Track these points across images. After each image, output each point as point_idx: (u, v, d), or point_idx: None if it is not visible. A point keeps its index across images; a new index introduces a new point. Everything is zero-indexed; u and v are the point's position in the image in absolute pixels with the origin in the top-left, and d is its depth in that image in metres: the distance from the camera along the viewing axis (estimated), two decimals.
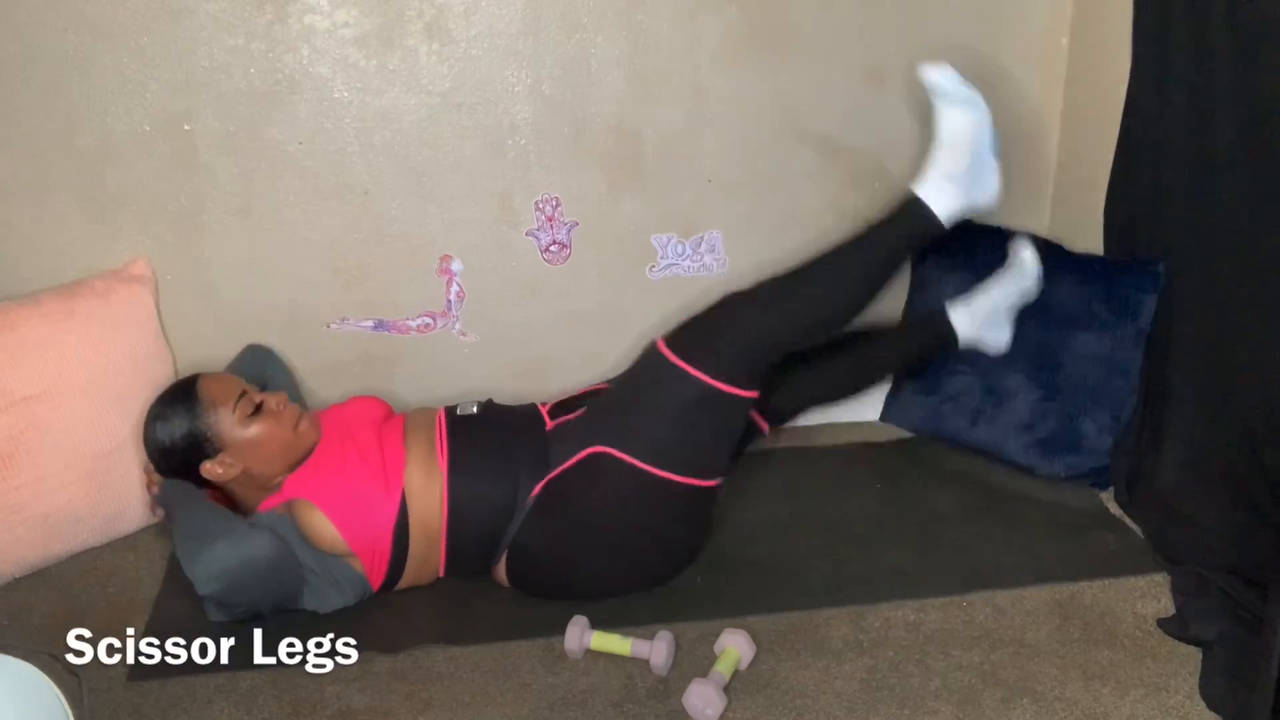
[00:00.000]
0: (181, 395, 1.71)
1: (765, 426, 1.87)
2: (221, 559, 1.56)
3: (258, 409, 1.71)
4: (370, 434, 1.75)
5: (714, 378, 1.66)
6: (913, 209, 1.78)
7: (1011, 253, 2.00)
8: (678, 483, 1.67)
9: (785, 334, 1.73)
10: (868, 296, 1.79)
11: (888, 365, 2.11)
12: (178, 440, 1.69)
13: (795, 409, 2.01)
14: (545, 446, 1.73)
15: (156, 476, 1.76)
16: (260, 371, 1.97)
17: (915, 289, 2.23)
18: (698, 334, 1.72)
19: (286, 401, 1.75)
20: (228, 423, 1.69)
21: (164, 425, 1.70)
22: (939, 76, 1.78)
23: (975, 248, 2.14)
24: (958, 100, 1.78)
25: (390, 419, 1.83)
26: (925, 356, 2.12)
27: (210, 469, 1.69)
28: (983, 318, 2.01)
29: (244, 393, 1.72)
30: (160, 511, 1.79)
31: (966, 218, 1.81)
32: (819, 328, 1.79)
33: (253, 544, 1.58)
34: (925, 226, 1.78)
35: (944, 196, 1.77)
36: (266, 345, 2.03)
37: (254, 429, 1.70)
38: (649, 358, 1.74)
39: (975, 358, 2.11)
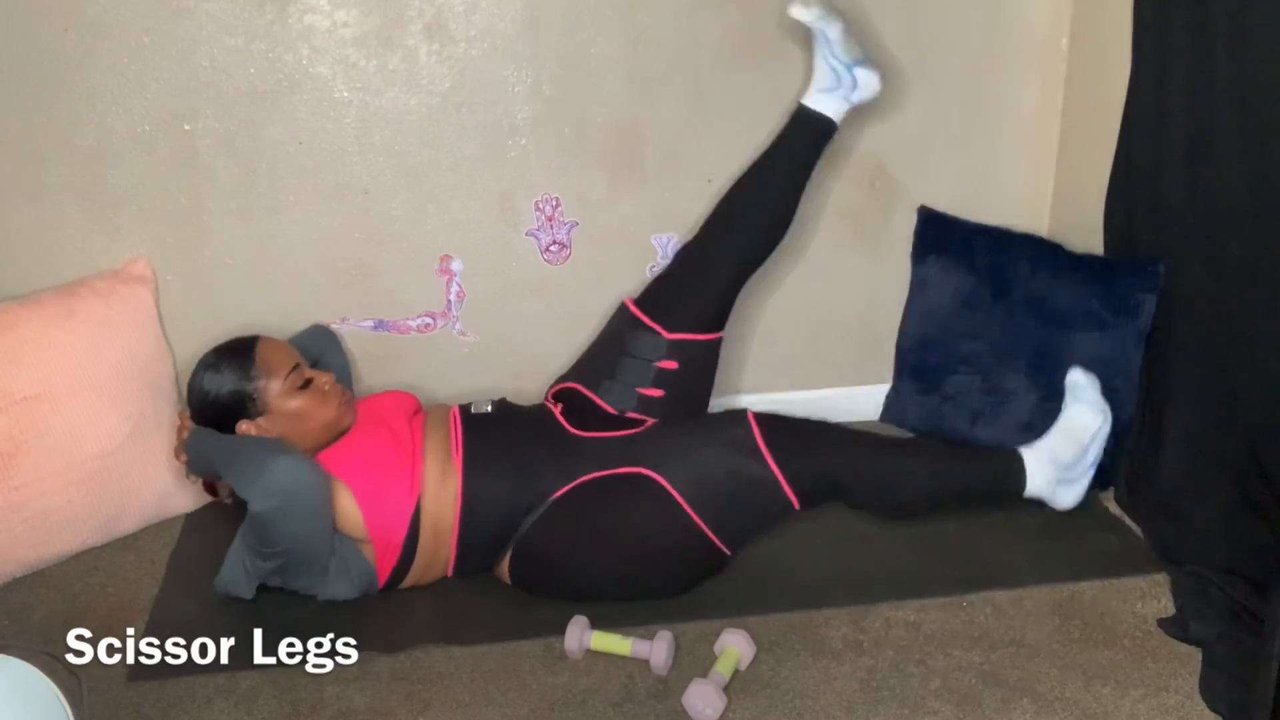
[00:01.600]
0: (238, 352, 1.76)
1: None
2: (283, 471, 1.58)
3: (307, 384, 1.76)
4: (404, 426, 1.78)
5: (787, 479, 1.70)
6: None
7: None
8: (704, 535, 1.69)
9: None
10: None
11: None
12: (224, 394, 1.73)
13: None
14: (572, 449, 1.75)
15: (189, 423, 1.79)
16: (319, 351, 1.99)
17: (915, 289, 2.23)
18: (792, 435, 1.76)
19: (333, 383, 1.79)
20: (275, 389, 1.73)
21: (214, 376, 1.74)
22: (1083, 379, 1.91)
23: (973, 247, 2.14)
24: (1093, 406, 1.89)
25: (418, 413, 1.86)
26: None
27: (246, 429, 1.73)
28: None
29: (297, 365, 1.77)
30: (184, 457, 1.79)
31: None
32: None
33: (314, 470, 1.62)
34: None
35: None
36: (330, 328, 2.06)
37: (298, 401, 1.74)
38: (732, 422, 1.75)
39: (975, 357, 2.11)
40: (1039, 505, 1.88)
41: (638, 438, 1.77)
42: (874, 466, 1.79)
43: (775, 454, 1.71)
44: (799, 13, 1.90)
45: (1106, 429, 1.88)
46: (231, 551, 1.71)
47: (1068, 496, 1.87)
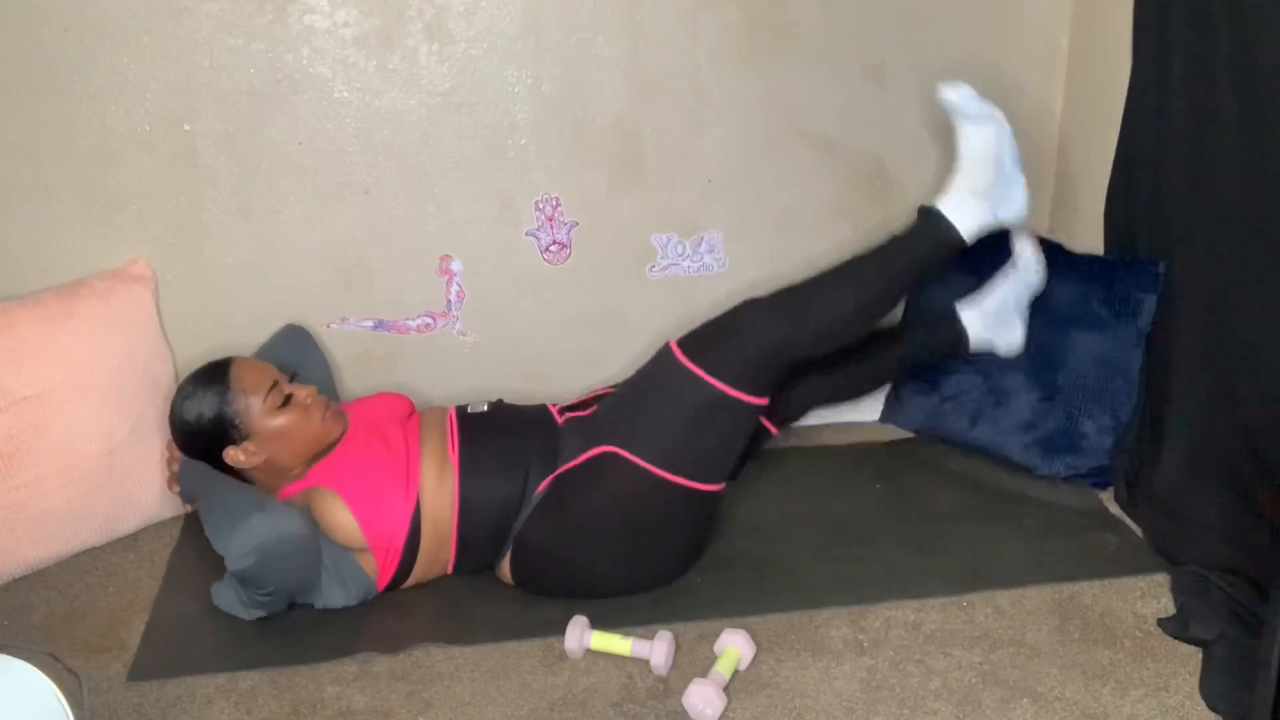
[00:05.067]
0: (213, 378, 1.72)
1: (775, 430, 1.85)
2: (258, 532, 1.55)
3: (287, 400, 1.72)
4: (397, 431, 1.77)
5: (725, 382, 1.67)
6: (935, 223, 1.78)
7: (1014, 249, 1.99)
8: (683, 486, 1.67)
9: (797, 342, 1.72)
10: (883, 309, 1.80)
11: (895, 367, 2.09)
12: (204, 423, 1.70)
13: (801, 408, 2.01)
14: (556, 442, 1.74)
15: (178, 454, 1.78)
16: (296, 355, 1.97)
17: (915, 289, 2.22)
18: (711, 338, 1.72)
19: (315, 395, 1.76)
20: (256, 412, 1.70)
21: (192, 406, 1.71)
22: (956, 95, 1.79)
23: (973, 247, 2.13)
24: (978, 118, 1.79)
25: (412, 416, 1.85)
26: (934, 359, 2.10)
27: (233, 455, 1.70)
28: (993, 317, 1.99)
29: (275, 383, 1.73)
30: (177, 488, 1.80)
31: (990, 232, 1.81)
32: (832, 337, 1.77)
33: (288, 519, 1.59)
34: (947, 240, 1.78)
35: (967, 211, 1.77)
36: (304, 326, 2.04)
37: (281, 420, 1.71)
38: (661, 359, 1.74)
39: (975, 357, 2.11)
40: (1036, 512, 1.87)
41: (595, 416, 1.76)
42: (807, 323, 1.72)
43: (709, 368, 1.67)
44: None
45: (1007, 132, 1.77)
46: (227, 575, 1.68)
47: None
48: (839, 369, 1.97)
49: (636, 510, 1.68)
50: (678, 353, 1.71)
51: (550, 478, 1.70)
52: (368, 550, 1.68)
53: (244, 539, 1.55)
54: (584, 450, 1.70)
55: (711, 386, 1.67)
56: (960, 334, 2.00)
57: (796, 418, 2.03)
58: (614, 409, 1.75)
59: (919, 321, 2.13)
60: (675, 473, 1.66)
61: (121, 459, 1.87)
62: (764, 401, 1.71)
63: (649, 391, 1.72)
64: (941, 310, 2.04)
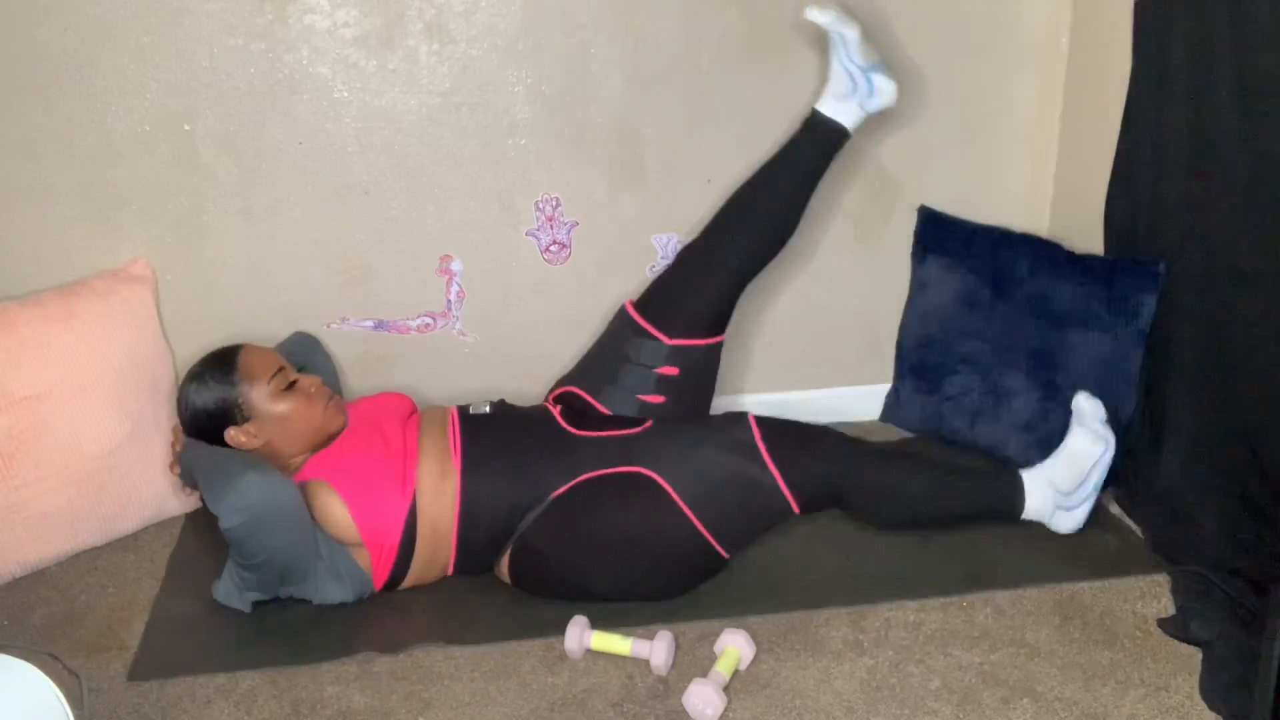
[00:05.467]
0: (221, 361, 1.76)
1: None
2: (251, 489, 1.56)
3: (291, 386, 1.76)
4: (396, 429, 1.78)
5: (787, 484, 1.71)
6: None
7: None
8: (703, 537, 1.69)
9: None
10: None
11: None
12: (209, 403, 1.73)
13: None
14: (571, 449, 1.75)
15: (182, 436, 1.79)
16: (304, 358, 1.99)
17: (915, 289, 2.23)
18: (791, 438, 1.76)
19: (319, 385, 1.79)
20: (260, 394, 1.73)
21: (199, 387, 1.74)
22: (1087, 405, 1.88)
23: (973, 247, 2.14)
24: (1097, 435, 1.86)
25: (412, 416, 1.85)
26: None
27: (234, 435, 1.72)
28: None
29: (280, 368, 1.77)
30: (178, 469, 1.81)
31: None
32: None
33: (283, 485, 1.60)
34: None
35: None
36: (310, 333, 2.05)
37: (283, 405, 1.74)
38: (736, 424, 1.76)
39: (975, 357, 2.11)
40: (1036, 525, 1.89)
41: (636, 438, 1.77)
42: (876, 478, 1.79)
43: (775, 458, 1.71)
44: (815, 15, 1.89)
45: (1109, 456, 1.86)
46: (228, 563, 1.70)
47: (1066, 523, 1.87)
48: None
49: (651, 538, 1.69)
50: (756, 432, 1.73)
51: (571, 483, 1.71)
52: (362, 545, 1.68)
53: (237, 496, 1.56)
54: (618, 465, 1.71)
55: (775, 482, 1.71)
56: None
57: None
58: (665, 437, 1.76)
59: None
60: (703, 523, 1.69)
61: (121, 459, 1.87)
62: (798, 512, 1.74)
63: (709, 444, 1.73)
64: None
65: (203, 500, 1.88)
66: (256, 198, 2.00)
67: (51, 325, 1.83)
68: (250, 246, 2.02)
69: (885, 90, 1.95)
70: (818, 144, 1.96)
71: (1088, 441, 1.86)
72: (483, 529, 1.71)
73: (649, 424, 1.81)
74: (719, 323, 1.95)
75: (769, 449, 1.71)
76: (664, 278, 1.99)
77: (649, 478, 1.69)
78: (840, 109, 1.94)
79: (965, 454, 2.12)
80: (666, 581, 1.73)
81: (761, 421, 1.75)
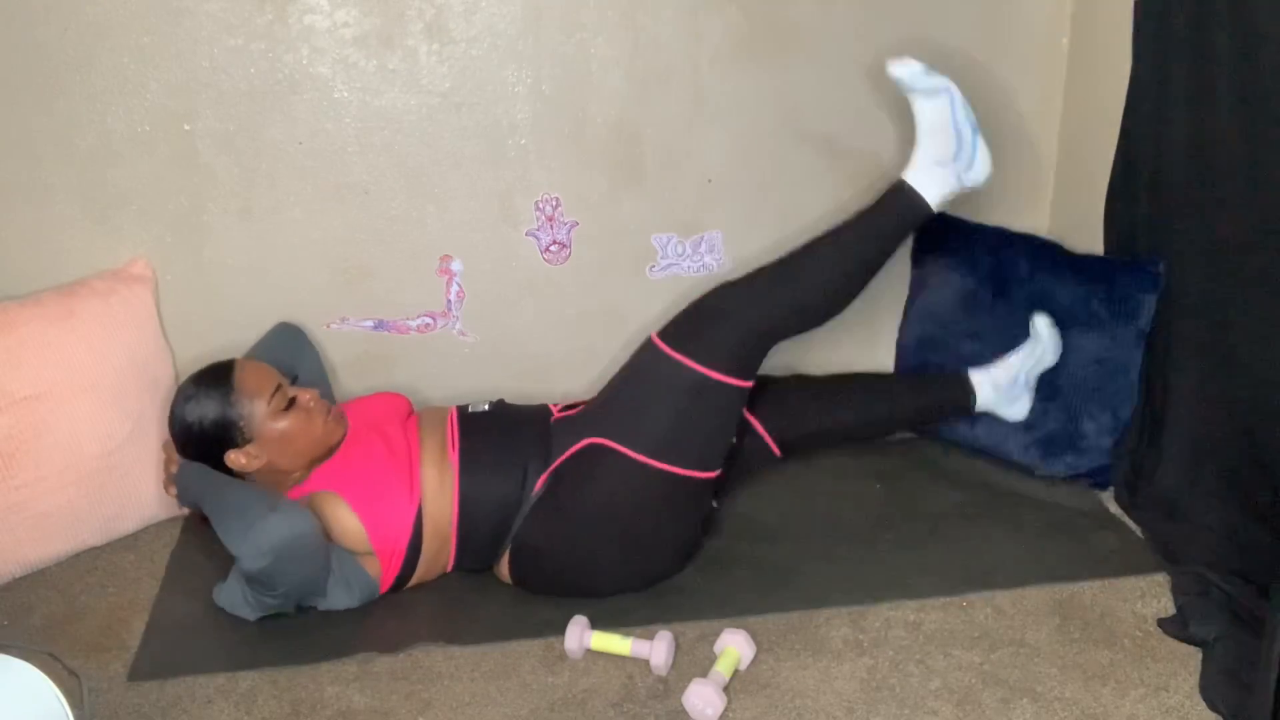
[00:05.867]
0: (216, 380, 1.70)
1: (779, 452, 1.85)
2: (274, 531, 1.53)
3: (290, 404, 1.71)
4: (397, 431, 1.77)
5: (707, 367, 1.68)
6: (902, 195, 1.80)
7: (1032, 326, 2.00)
8: (674, 474, 1.67)
9: (775, 322, 1.75)
10: (858, 284, 1.82)
11: (903, 418, 2.11)
12: (207, 425, 1.68)
13: (809, 444, 2.04)
14: (549, 440, 1.74)
15: (175, 456, 1.76)
16: (291, 354, 1.96)
17: (915, 289, 2.23)
18: (690, 325, 1.74)
19: (318, 399, 1.75)
20: (260, 415, 1.68)
21: (195, 408, 1.69)
22: (903, 71, 1.79)
23: (973, 247, 2.14)
24: (929, 91, 1.80)
25: (411, 417, 1.85)
26: (940, 415, 2.10)
27: (235, 458, 1.68)
28: (1004, 387, 2.00)
29: (279, 386, 1.72)
30: (174, 490, 1.79)
31: (957, 197, 1.83)
32: (809, 316, 1.81)
33: (303, 519, 1.57)
34: (915, 211, 1.80)
35: (933, 181, 1.79)
36: (296, 324, 2.03)
37: (284, 424, 1.70)
38: (644, 351, 1.76)
39: (975, 357, 2.11)
40: (1036, 512, 1.90)
41: (579, 413, 1.77)
42: (782, 299, 1.75)
43: (689, 353, 1.68)
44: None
45: (958, 97, 1.78)
46: (232, 575, 1.68)
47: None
48: (848, 413, 2.02)
49: (628, 501, 1.68)
50: (659, 343, 1.72)
51: (544, 475, 1.70)
52: (373, 553, 1.67)
53: (260, 540, 1.53)
54: (572, 444, 1.70)
55: (695, 371, 1.68)
56: (969, 393, 2.02)
57: (802, 451, 2.03)
58: (601, 402, 1.76)
59: (929, 378, 2.13)
60: (664, 460, 1.66)
61: (121, 459, 1.87)
62: (748, 384, 1.72)
63: (634, 382, 1.74)
64: (953, 372, 2.06)
65: (202, 519, 1.87)
66: (256, 198, 2.00)
67: (51, 325, 1.83)
68: (250, 246, 2.02)
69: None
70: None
71: (927, 103, 1.78)
72: (480, 528, 1.71)
73: (584, 404, 1.80)
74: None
75: (678, 349, 1.69)
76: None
77: (600, 445, 1.68)
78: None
79: (963, 452, 2.12)
80: (672, 539, 1.73)
81: (663, 331, 1.73)
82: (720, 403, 1.71)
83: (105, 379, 1.86)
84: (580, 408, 1.80)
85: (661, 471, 1.67)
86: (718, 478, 1.74)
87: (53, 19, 1.84)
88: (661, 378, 1.70)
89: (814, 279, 1.78)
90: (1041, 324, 2.00)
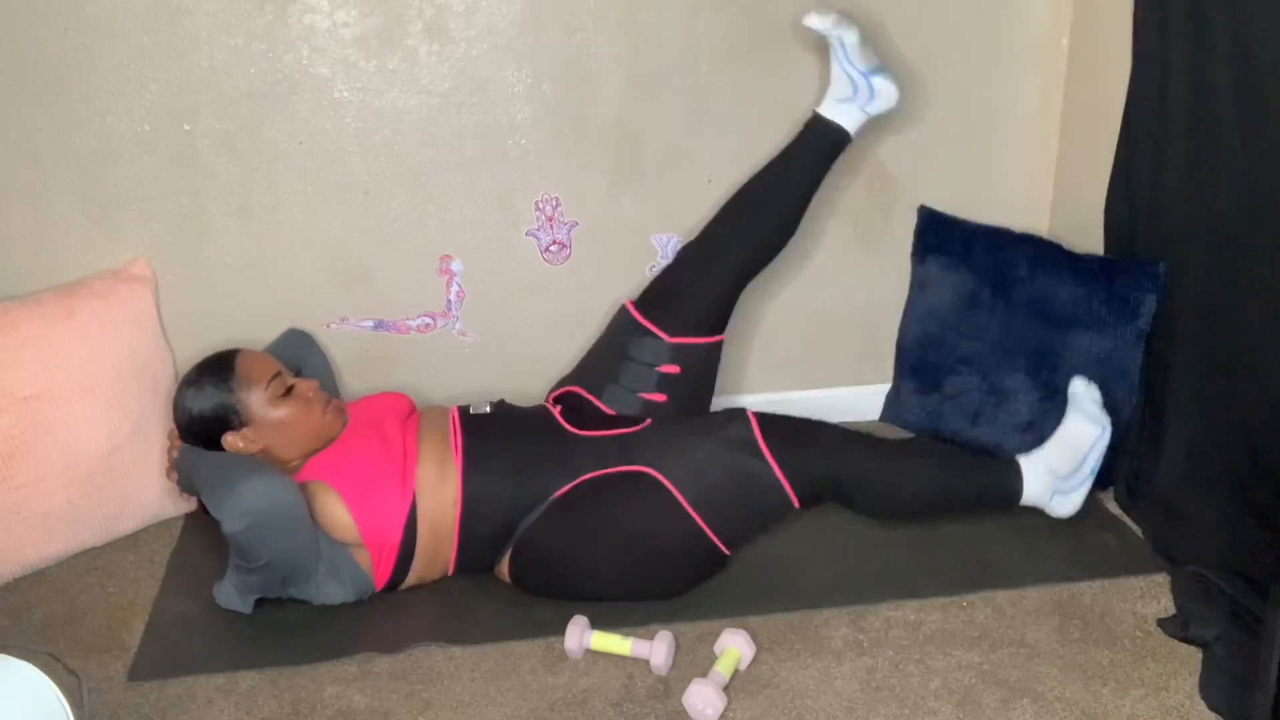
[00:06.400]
0: (218, 366, 1.75)
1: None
2: (254, 493, 1.56)
3: (288, 391, 1.75)
4: (395, 429, 1.78)
5: (787, 478, 1.71)
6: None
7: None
8: (703, 533, 1.69)
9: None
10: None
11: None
12: (206, 409, 1.72)
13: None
14: (571, 448, 1.75)
15: (178, 441, 1.79)
16: (298, 356, 1.99)
17: (915, 289, 2.23)
18: (791, 433, 1.76)
19: (317, 390, 1.78)
20: (258, 400, 1.72)
21: (196, 392, 1.74)
22: (1083, 388, 1.91)
23: (973, 247, 2.14)
24: (1093, 417, 1.88)
25: (411, 415, 1.85)
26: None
27: (232, 441, 1.71)
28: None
29: (278, 373, 1.76)
30: (175, 475, 1.81)
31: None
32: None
33: (285, 487, 1.60)
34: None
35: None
36: (305, 329, 2.05)
37: (281, 410, 1.73)
38: (734, 420, 1.75)
39: (975, 357, 2.11)
40: (1035, 512, 1.89)
41: (636, 436, 1.77)
42: (874, 469, 1.79)
43: (775, 451, 1.71)
44: (814, 21, 1.90)
45: (1105, 439, 1.88)
46: (229, 569, 1.70)
47: (1064, 506, 1.87)
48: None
49: (652, 536, 1.69)
50: (754, 427, 1.73)
51: (573, 483, 1.71)
52: (362, 546, 1.68)
53: (240, 500, 1.56)
54: (619, 464, 1.72)
55: (775, 476, 1.71)
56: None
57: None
58: (664, 435, 1.77)
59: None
60: (703, 518, 1.69)
61: (122, 459, 1.87)
62: (798, 506, 1.74)
63: (709, 440, 1.73)
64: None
65: (201, 506, 1.89)
66: (256, 198, 2.00)
67: (52, 325, 1.83)
68: (250, 246, 2.02)
69: (886, 93, 1.96)
70: (819, 146, 1.97)
71: (1084, 424, 1.87)
72: (484, 529, 1.71)
73: (648, 423, 1.82)
74: (719, 322, 1.96)
75: (768, 443, 1.71)
76: (664, 277, 2.00)
77: (649, 476, 1.69)
78: (841, 111, 1.95)
79: (963, 449, 2.12)
80: (668, 580, 1.73)
81: (760, 416, 1.76)
82: (773, 510, 1.75)
83: (105, 379, 1.86)
84: (634, 427, 1.79)
85: (694, 523, 1.69)
86: (729, 556, 1.76)
87: (53, 19, 1.84)
88: (741, 458, 1.70)
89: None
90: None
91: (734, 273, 1.96)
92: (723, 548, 1.72)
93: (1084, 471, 1.87)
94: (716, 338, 1.95)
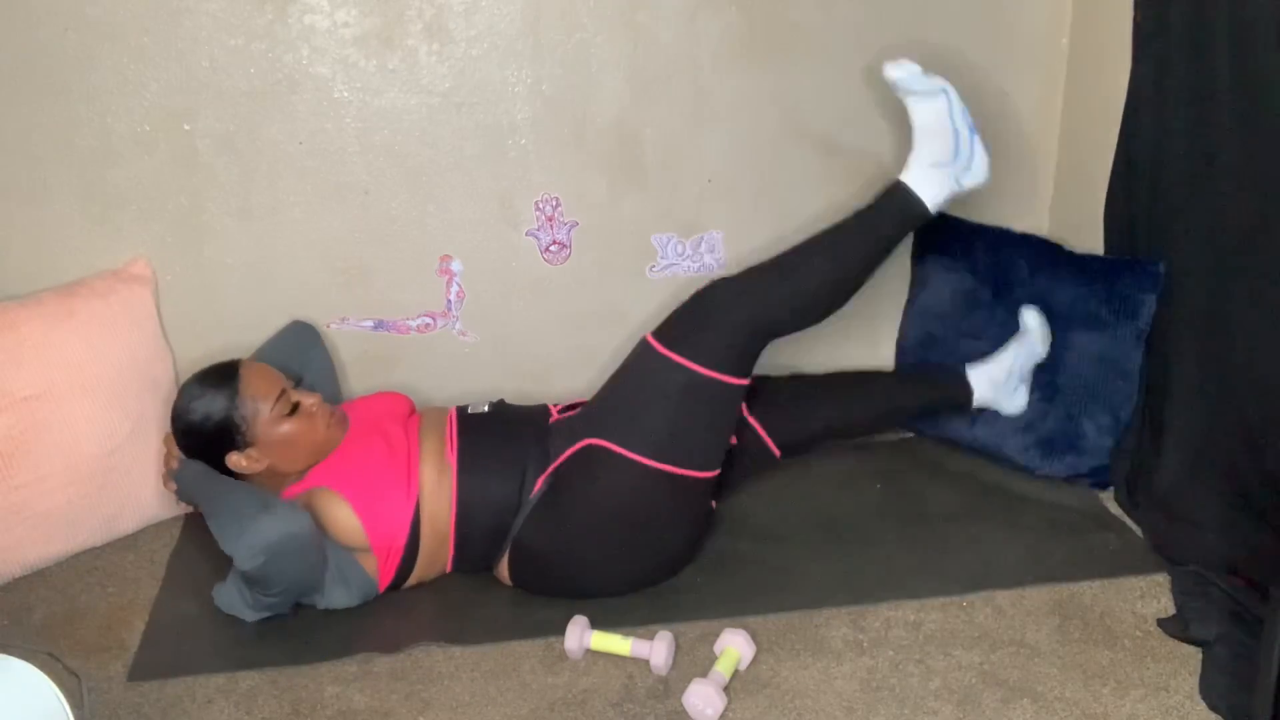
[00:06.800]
0: (222, 380, 1.71)
1: (778, 453, 1.84)
2: (266, 532, 1.54)
3: (294, 409, 1.71)
4: (398, 430, 1.77)
5: (701, 365, 1.67)
6: (899, 196, 1.80)
7: (1021, 320, 2.02)
8: (671, 474, 1.67)
9: (770, 320, 1.74)
10: (854, 284, 1.82)
11: (901, 416, 2.13)
12: (209, 427, 1.69)
13: (809, 444, 2.02)
14: (547, 441, 1.74)
15: (177, 452, 1.77)
16: (301, 354, 1.97)
17: (915, 289, 2.23)
18: (684, 324, 1.73)
19: (320, 403, 1.75)
20: (263, 419, 1.69)
21: (199, 407, 1.69)
22: (899, 73, 1.80)
23: (973, 247, 2.14)
24: (925, 93, 1.80)
25: (412, 416, 1.85)
26: (938, 409, 2.10)
27: (236, 460, 1.69)
28: (1001, 383, 2.01)
29: (284, 391, 1.72)
30: (173, 486, 1.80)
31: (955, 198, 1.84)
32: (804, 314, 1.80)
33: (296, 519, 1.58)
34: (912, 212, 1.81)
35: (929, 183, 1.79)
36: (309, 322, 2.03)
37: (286, 428, 1.70)
38: (640, 352, 1.75)
39: (975, 356, 2.11)
40: (1036, 512, 1.90)
41: (576, 415, 1.77)
42: (775, 296, 1.74)
43: (684, 352, 1.68)
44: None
45: (955, 98, 1.78)
46: (230, 576, 1.68)
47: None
48: (849, 408, 2.02)
49: (628, 503, 1.68)
50: (655, 343, 1.72)
51: (543, 477, 1.70)
52: (370, 551, 1.68)
53: (253, 540, 1.54)
54: (569, 446, 1.70)
55: (690, 371, 1.67)
56: (967, 391, 2.02)
57: (803, 451, 2.02)
58: (597, 403, 1.76)
59: (927, 376, 2.14)
60: (662, 460, 1.66)
61: (121, 459, 1.87)
62: (744, 382, 1.71)
63: (630, 383, 1.73)
64: (950, 369, 2.06)
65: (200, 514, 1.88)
66: (256, 198, 2.00)
67: (52, 325, 1.83)
68: (250, 246, 2.02)
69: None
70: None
71: (924, 105, 1.78)
72: (478, 527, 1.71)
73: (582, 405, 1.80)
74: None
75: (672, 348, 1.68)
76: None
77: (598, 446, 1.68)
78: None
79: (963, 452, 2.12)
80: (668, 541, 1.72)
81: (658, 331, 1.73)
82: (718, 402, 1.71)
83: (105, 379, 1.86)
84: (577, 409, 1.80)
85: (661, 472, 1.66)
86: (716, 477, 1.74)
87: (53, 19, 1.84)
88: (658, 378, 1.69)
89: (810, 277, 1.77)
90: (1030, 316, 2.01)
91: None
92: (703, 474, 1.69)
93: (963, 141, 1.76)
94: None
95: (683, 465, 1.68)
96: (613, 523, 1.68)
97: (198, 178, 1.97)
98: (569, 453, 1.70)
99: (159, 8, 1.86)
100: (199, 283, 2.03)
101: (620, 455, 1.66)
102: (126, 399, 1.88)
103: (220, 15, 1.88)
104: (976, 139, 1.80)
